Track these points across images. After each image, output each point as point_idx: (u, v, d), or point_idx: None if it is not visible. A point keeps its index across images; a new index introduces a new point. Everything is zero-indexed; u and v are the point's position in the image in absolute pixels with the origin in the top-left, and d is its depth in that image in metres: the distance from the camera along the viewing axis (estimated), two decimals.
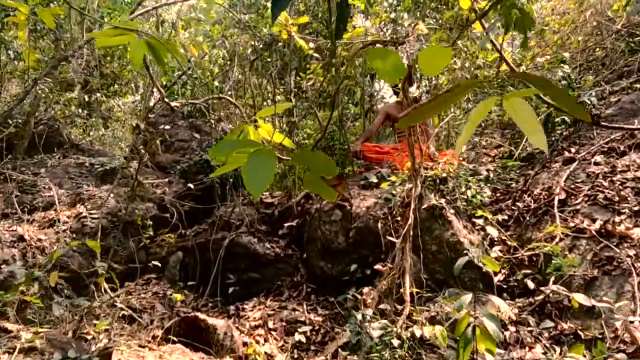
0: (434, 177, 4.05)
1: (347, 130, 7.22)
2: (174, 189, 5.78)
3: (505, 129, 7.01)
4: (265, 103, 7.02)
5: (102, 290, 3.87)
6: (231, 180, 5.00)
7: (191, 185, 5.36)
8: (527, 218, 4.38)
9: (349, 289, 3.98)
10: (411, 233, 3.59)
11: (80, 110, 10.16)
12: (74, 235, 4.70)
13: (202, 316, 3.59)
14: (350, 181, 4.90)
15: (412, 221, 3.48)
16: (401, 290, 3.41)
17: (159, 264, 4.73)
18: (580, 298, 3.28)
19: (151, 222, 4.88)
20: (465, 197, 4.07)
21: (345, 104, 7.38)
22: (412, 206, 3.52)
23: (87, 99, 9.81)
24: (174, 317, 4.08)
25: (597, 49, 7.18)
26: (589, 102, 5.32)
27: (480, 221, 4.08)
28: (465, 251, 3.75)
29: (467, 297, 2.91)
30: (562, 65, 5.38)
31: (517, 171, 5.36)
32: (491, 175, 5.06)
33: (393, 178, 4.14)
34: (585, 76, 6.09)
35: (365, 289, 3.63)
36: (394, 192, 4.23)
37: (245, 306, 4.19)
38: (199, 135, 6.67)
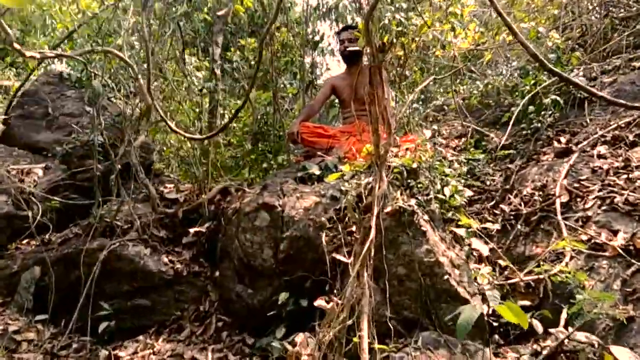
0: (401, 169, 2.86)
1: (285, 114, 5.96)
2: (47, 178, 4.33)
3: (470, 115, 5.96)
4: (181, 75, 5.63)
5: None
6: (119, 167, 3.61)
7: (63, 174, 3.93)
8: (518, 227, 3.29)
9: (277, 327, 2.74)
10: (372, 250, 2.38)
11: None
12: None
13: None
14: (283, 173, 3.64)
15: (374, 232, 2.27)
16: (355, 339, 2.19)
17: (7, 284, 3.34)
18: (621, 353, 2.21)
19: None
20: (444, 197, 2.90)
21: (284, 81, 6.13)
22: (375, 209, 2.31)
23: None
24: None
25: (568, 29, 6.28)
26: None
27: (460, 231, 2.93)
28: (445, 276, 2.58)
29: None
30: (552, 35, 4.34)
31: (493, 165, 4.28)
32: (464, 168, 3.94)
33: (346, 168, 2.91)
34: (568, 53, 5.11)
35: (300, 336, 2.38)
36: (343, 187, 3.02)
37: (123, 351, 2.86)
38: (93, 110, 5.19)
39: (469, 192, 3.45)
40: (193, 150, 3.82)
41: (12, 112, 5.06)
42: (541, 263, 2.92)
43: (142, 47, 3.74)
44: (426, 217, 2.76)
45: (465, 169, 3.95)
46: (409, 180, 2.86)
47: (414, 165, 2.87)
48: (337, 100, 4.88)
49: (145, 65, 4.88)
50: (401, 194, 2.77)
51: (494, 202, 3.62)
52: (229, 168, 4.36)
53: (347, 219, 2.79)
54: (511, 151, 4.20)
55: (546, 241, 3.14)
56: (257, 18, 5.50)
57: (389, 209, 2.69)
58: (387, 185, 2.64)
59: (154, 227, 3.50)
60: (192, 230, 3.38)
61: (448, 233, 2.90)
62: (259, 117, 5.55)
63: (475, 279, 2.81)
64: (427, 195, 2.86)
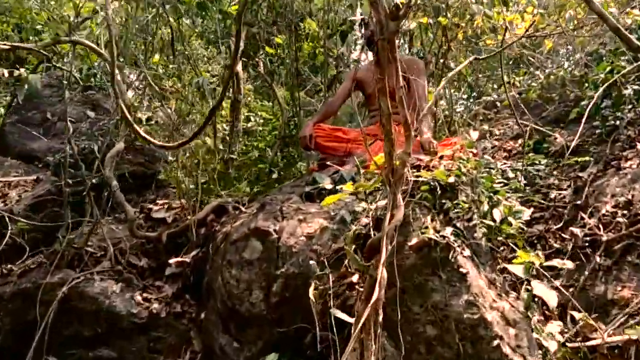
0: (431, 185, 2.10)
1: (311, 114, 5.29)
2: (33, 192, 3.81)
3: (525, 112, 5.07)
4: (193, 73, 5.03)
5: None
6: (91, 182, 3.02)
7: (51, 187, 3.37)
8: (596, 259, 2.45)
9: None
10: (382, 304, 1.64)
11: None
12: None
13: None
14: (290, 187, 2.95)
15: (382, 286, 1.53)
16: None
17: None
18: None
19: None
20: (493, 222, 2.12)
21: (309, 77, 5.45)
22: (383, 252, 1.57)
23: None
24: None
25: None
26: None
27: (517, 269, 2.12)
28: (495, 341, 1.80)
29: None
30: (632, 11, 3.46)
31: (558, 173, 3.43)
32: (521, 179, 3.13)
33: (348, 187, 2.17)
34: None
35: None
36: (357, 208, 2.29)
37: None
38: (95, 114, 4.66)
39: (527, 212, 2.63)
40: (177, 159, 3.17)
41: (7, 118, 4.60)
42: (630, 312, 2.12)
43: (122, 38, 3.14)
44: (467, 252, 1.99)
45: (522, 179, 3.14)
46: (443, 201, 2.10)
47: (451, 180, 2.10)
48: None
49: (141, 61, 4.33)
50: (432, 220, 2.01)
51: (562, 223, 2.79)
52: (233, 180, 3.69)
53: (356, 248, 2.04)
54: (583, 156, 3.33)
55: (636, 280, 2.31)
56: (279, 7, 4.85)
57: (414, 240, 1.95)
58: (409, 209, 1.89)
59: (133, 254, 2.88)
60: (172, 261, 2.73)
61: (498, 273, 2.11)
62: (289, 121, 4.92)
63: (538, 332, 2.02)
64: (469, 220, 2.09)
